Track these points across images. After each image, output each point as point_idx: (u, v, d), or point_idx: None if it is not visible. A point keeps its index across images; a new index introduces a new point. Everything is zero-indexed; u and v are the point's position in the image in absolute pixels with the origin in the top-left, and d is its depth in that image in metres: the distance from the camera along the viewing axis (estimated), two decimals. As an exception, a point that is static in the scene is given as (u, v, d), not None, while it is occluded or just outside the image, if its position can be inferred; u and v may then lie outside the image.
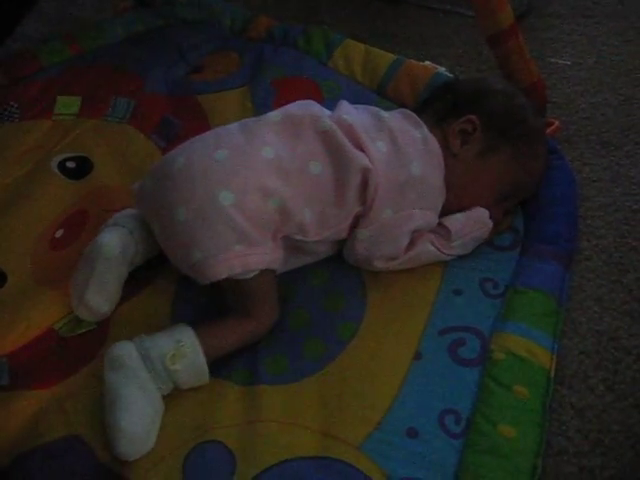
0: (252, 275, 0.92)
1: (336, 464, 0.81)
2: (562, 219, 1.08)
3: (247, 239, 0.91)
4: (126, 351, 0.86)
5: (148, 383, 0.85)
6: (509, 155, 1.03)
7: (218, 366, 0.91)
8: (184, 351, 0.86)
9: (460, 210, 1.03)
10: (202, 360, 0.87)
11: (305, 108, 1.02)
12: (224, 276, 0.90)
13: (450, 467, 0.81)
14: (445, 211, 1.02)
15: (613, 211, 1.15)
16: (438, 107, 1.08)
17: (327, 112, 1.04)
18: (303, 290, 1.00)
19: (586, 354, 0.96)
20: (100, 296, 0.96)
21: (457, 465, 0.81)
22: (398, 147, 0.99)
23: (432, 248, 1.00)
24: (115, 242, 0.96)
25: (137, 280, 1.02)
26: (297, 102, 1.05)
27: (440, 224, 1.01)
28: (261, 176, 0.93)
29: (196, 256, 0.90)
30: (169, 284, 1.02)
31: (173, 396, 0.88)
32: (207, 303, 0.99)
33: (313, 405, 0.87)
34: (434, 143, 1.01)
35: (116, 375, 0.84)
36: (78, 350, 0.95)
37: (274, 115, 1.00)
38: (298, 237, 0.96)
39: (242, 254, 0.90)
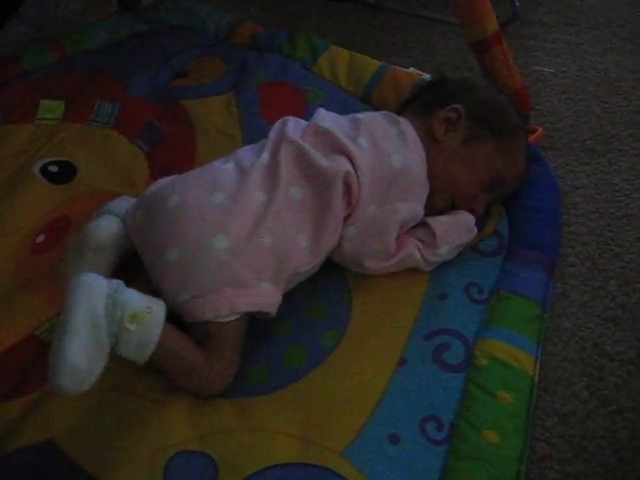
0: (232, 318, 0.90)
1: (319, 470, 0.80)
2: (546, 226, 1.09)
3: (239, 282, 0.90)
4: (97, 284, 0.83)
5: (102, 322, 0.80)
6: (492, 146, 1.04)
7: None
8: (147, 319, 0.83)
9: (444, 201, 1.04)
10: (155, 338, 0.83)
11: (280, 132, 1.02)
12: (209, 317, 0.89)
13: (433, 473, 0.81)
14: (431, 202, 1.02)
15: (597, 218, 1.16)
16: (424, 99, 1.11)
17: (304, 124, 1.05)
18: (287, 297, 0.98)
19: (570, 360, 0.96)
20: None
21: (441, 471, 0.81)
22: (376, 142, 1.00)
23: (418, 256, 1.00)
24: (106, 232, 0.96)
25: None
26: (274, 126, 1.04)
27: (426, 225, 1.01)
28: (257, 222, 0.92)
29: (184, 296, 0.90)
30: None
31: (155, 404, 0.87)
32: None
33: (295, 412, 0.87)
34: (412, 136, 1.03)
35: (77, 301, 0.80)
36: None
37: (265, 157, 0.99)
38: (303, 269, 0.96)
39: (230, 295, 0.89)
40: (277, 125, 1.05)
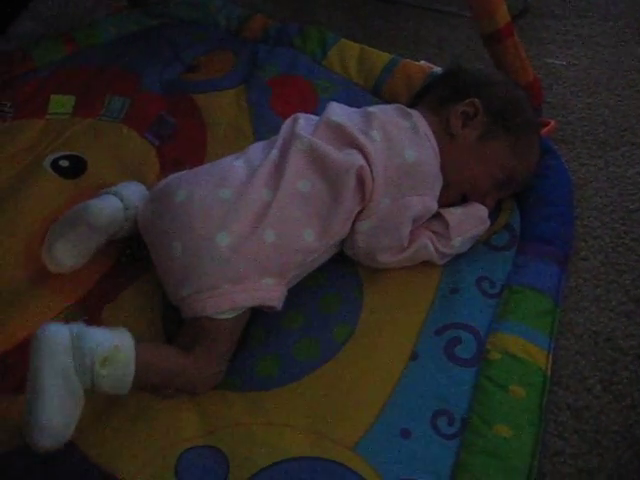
0: (232, 315, 0.90)
1: (330, 465, 0.80)
2: (558, 219, 1.08)
3: (239, 278, 0.90)
4: (59, 337, 0.79)
5: (72, 375, 0.78)
6: (507, 143, 1.03)
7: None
8: (117, 358, 0.80)
9: (455, 196, 1.04)
10: (131, 373, 0.80)
11: (291, 129, 1.01)
12: (209, 313, 0.88)
13: (445, 468, 0.81)
14: (443, 196, 1.01)
15: (610, 211, 1.15)
16: (438, 92, 1.10)
17: (315, 120, 1.04)
18: (298, 292, 0.98)
19: (583, 354, 0.96)
20: (68, 252, 0.98)
21: (453, 466, 0.81)
22: (389, 136, 1.00)
23: (431, 248, 0.99)
24: (104, 214, 0.96)
25: (127, 273, 1.02)
26: (285, 123, 1.04)
27: (439, 217, 1.01)
28: (260, 219, 0.92)
29: (186, 291, 0.90)
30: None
31: (165, 398, 0.87)
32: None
33: (307, 407, 0.87)
34: (425, 129, 1.02)
35: (42, 360, 0.77)
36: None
37: (274, 154, 0.98)
38: (309, 259, 0.96)
39: (230, 291, 0.89)
40: (288, 122, 1.04)
